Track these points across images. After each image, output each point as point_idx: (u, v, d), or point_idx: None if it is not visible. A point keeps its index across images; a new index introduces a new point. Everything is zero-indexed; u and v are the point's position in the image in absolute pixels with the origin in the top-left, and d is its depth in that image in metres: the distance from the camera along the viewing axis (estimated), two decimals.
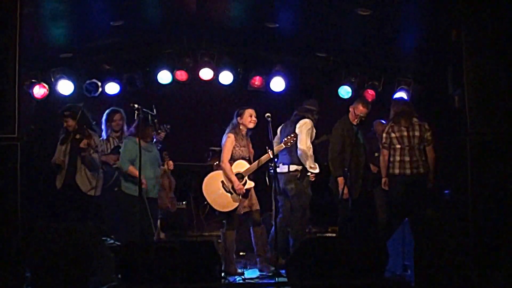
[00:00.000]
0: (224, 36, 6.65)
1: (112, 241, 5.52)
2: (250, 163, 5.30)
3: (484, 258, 4.33)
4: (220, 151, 6.75)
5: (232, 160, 5.28)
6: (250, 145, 5.41)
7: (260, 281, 4.99)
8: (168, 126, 5.85)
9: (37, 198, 6.00)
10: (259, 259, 5.26)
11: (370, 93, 6.75)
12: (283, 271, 4.76)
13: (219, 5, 5.82)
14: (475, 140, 4.43)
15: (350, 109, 5.79)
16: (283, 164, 5.62)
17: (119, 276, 4.47)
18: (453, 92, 5.34)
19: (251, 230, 5.30)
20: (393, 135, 5.58)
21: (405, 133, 5.55)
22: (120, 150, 5.41)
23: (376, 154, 6.31)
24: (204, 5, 5.75)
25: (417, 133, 5.52)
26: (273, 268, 5.09)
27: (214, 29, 6.46)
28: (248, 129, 5.34)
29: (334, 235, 6.45)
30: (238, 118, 5.34)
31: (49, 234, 4.37)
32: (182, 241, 5.38)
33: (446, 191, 6.01)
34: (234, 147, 5.27)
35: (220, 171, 5.30)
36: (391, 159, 5.59)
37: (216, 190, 5.21)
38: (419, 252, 4.30)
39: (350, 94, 6.77)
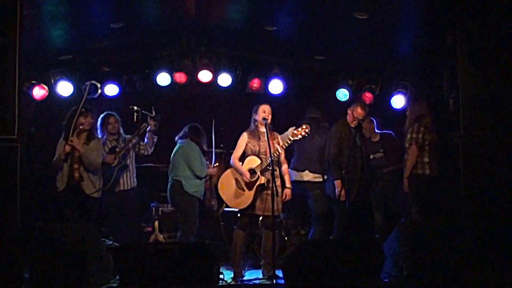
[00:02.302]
0: (223, 39, 6.67)
1: (110, 242, 5.54)
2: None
3: (478, 259, 4.37)
4: (220, 153, 6.78)
5: (245, 155, 5.28)
6: (274, 141, 5.27)
7: (257, 283, 5.01)
8: (158, 115, 5.93)
9: (36, 200, 6.01)
10: (264, 261, 5.28)
11: (367, 96, 6.78)
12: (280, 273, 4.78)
13: (218, 8, 5.85)
14: (468, 142, 4.47)
15: (348, 111, 5.80)
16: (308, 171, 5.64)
17: (117, 277, 4.50)
18: (448, 95, 5.38)
19: (262, 233, 5.31)
20: (426, 136, 5.49)
21: (432, 136, 5.53)
22: (192, 156, 5.70)
23: (372, 157, 6.33)
24: (203, 7, 5.78)
25: (434, 136, 5.56)
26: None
27: (213, 32, 6.48)
28: (265, 126, 5.18)
29: (331, 237, 6.47)
30: (254, 114, 5.34)
31: (48, 235, 4.40)
32: (179, 243, 5.41)
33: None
34: (247, 144, 5.28)
35: (233, 169, 5.32)
36: (419, 159, 5.49)
37: (230, 188, 5.22)
38: (414, 254, 4.34)
39: (347, 97, 6.79)
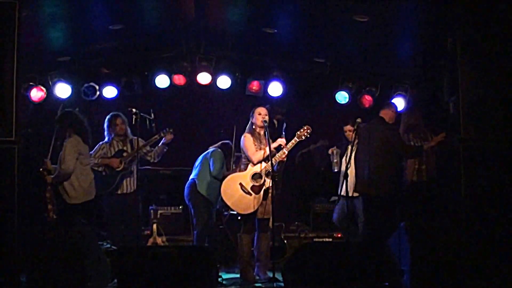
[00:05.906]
0: (222, 41, 6.66)
1: (108, 245, 5.50)
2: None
3: (479, 262, 4.35)
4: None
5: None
6: (272, 145, 5.18)
7: (257, 285, 5.00)
8: (171, 130, 5.90)
9: (34, 202, 5.96)
10: (258, 263, 5.25)
11: (367, 99, 6.77)
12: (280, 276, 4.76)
13: (218, 10, 5.84)
14: (468, 146, 4.47)
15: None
16: None
17: (115, 280, 4.48)
18: (448, 98, 5.38)
19: (256, 235, 5.26)
20: (417, 144, 5.72)
21: (411, 143, 5.72)
22: (214, 161, 5.85)
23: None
24: (203, 10, 5.77)
25: (419, 144, 5.68)
26: (269, 275, 5.06)
27: (212, 34, 6.47)
28: (265, 128, 5.13)
29: (331, 240, 6.45)
30: (251, 118, 5.29)
31: (45, 238, 4.37)
32: (178, 246, 5.39)
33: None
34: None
35: (237, 174, 5.21)
36: (417, 167, 5.72)
37: (235, 193, 5.10)
38: (415, 257, 4.32)
39: (347, 100, 6.79)
